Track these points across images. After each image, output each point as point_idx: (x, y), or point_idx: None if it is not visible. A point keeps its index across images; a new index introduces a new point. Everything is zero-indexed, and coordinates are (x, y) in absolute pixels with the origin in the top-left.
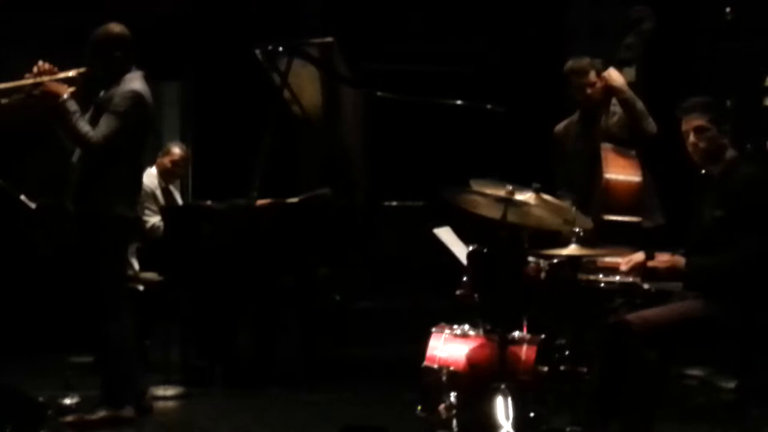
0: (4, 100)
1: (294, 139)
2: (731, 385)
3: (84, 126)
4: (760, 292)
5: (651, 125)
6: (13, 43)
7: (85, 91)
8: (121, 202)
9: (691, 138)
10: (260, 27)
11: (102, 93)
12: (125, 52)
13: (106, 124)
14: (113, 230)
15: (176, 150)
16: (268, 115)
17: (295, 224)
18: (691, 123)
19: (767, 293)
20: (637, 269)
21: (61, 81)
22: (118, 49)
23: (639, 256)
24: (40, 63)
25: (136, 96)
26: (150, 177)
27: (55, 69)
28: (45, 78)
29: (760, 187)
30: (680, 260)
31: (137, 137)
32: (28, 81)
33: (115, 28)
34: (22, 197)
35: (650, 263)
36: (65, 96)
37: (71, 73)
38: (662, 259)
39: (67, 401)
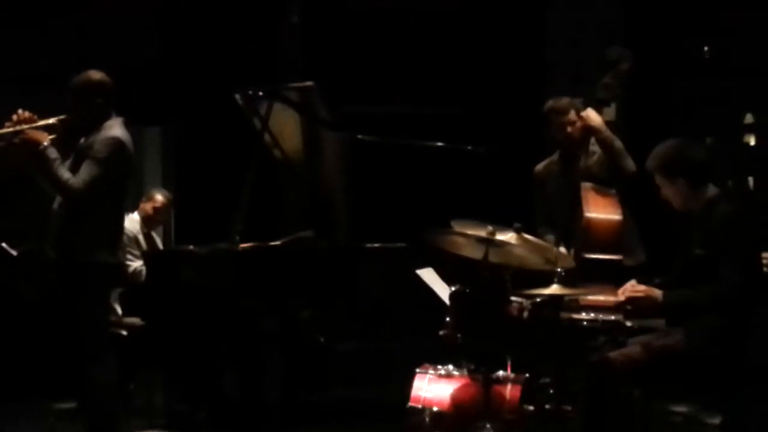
0: None
1: (276, 183)
2: (716, 421)
3: (65, 173)
4: (741, 327)
5: (630, 164)
6: None
7: (65, 138)
8: (103, 248)
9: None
10: (240, 72)
11: (82, 140)
12: (106, 98)
13: (87, 171)
14: (95, 277)
15: (159, 197)
16: (249, 159)
17: (278, 267)
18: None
19: (749, 328)
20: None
21: (41, 128)
22: (99, 96)
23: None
24: (20, 111)
25: (117, 142)
26: (132, 222)
27: (35, 117)
28: (25, 126)
29: (738, 224)
30: (657, 291)
31: (118, 184)
32: (7, 129)
33: (96, 75)
34: (4, 244)
35: (627, 293)
36: (45, 143)
37: (51, 121)
38: (639, 288)
39: None
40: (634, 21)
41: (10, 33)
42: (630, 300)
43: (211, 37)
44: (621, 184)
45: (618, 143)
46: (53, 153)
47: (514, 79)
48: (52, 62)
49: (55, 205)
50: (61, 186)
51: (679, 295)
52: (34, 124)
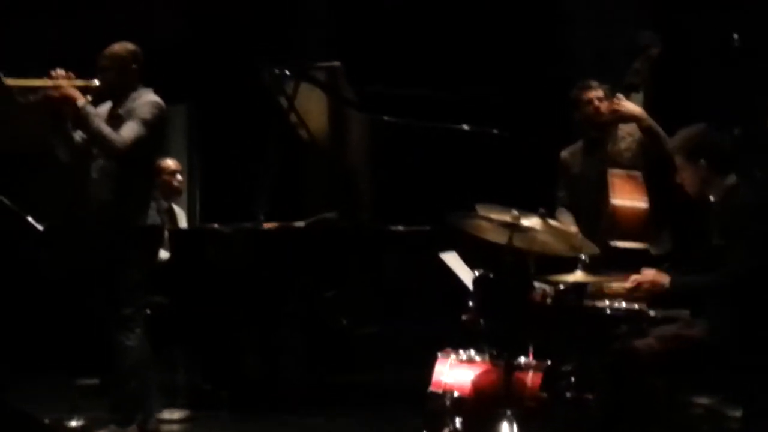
0: (21, 99)
1: (300, 163)
2: (738, 413)
3: (106, 128)
4: (763, 319)
5: None
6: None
7: (94, 103)
8: (148, 211)
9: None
10: (267, 50)
11: (108, 106)
12: (139, 66)
13: (131, 128)
14: (145, 240)
15: (168, 161)
16: (274, 138)
17: (302, 248)
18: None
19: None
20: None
21: (78, 88)
22: (134, 62)
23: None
24: (58, 70)
25: (160, 106)
26: None
27: (72, 75)
28: (62, 82)
29: (755, 213)
30: (664, 277)
31: (156, 148)
32: (46, 82)
33: (130, 45)
34: (29, 218)
35: (634, 278)
36: (83, 100)
37: (88, 83)
38: (647, 273)
39: (73, 423)
40: (661, 8)
41: (35, 14)
42: (638, 285)
43: (237, 14)
44: (666, 170)
45: (661, 130)
46: (92, 109)
47: (541, 65)
48: (78, 42)
49: (94, 174)
50: (104, 140)
51: (685, 281)
52: (71, 83)
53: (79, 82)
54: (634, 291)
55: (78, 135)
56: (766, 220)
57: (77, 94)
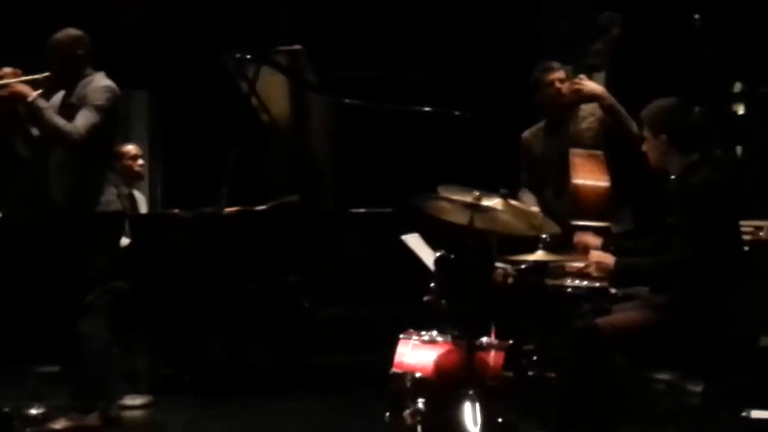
0: None
1: (262, 147)
2: (699, 388)
3: (61, 120)
4: (720, 296)
5: (635, 127)
6: None
7: (46, 95)
8: (108, 197)
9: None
10: (228, 35)
11: (61, 95)
12: (86, 50)
13: (85, 117)
14: (106, 227)
15: (129, 147)
16: (236, 122)
17: (264, 232)
18: None
19: (728, 297)
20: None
21: (27, 83)
22: (80, 48)
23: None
24: (4, 68)
25: (112, 90)
26: None
27: (19, 72)
28: (10, 80)
29: (709, 193)
30: (610, 258)
31: (113, 132)
32: None
33: (73, 30)
34: None
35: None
36: (34, 95)
37: (36, 76)
38: (593, 254)
39: (33, 411)
40: None
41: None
42: (585, 266)
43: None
44: (628, 148)
45: (623, 108)
46: (44, 103)
47: (505, 48)
48: (41, 26)
49: (53, 165)
50: (60, 132)
51: (630, 263)
52: (19, 79)
53: (26, 78)
54: (582, 271)
55: (35, 129)
56: (719, 200)
57: (26, 89)
